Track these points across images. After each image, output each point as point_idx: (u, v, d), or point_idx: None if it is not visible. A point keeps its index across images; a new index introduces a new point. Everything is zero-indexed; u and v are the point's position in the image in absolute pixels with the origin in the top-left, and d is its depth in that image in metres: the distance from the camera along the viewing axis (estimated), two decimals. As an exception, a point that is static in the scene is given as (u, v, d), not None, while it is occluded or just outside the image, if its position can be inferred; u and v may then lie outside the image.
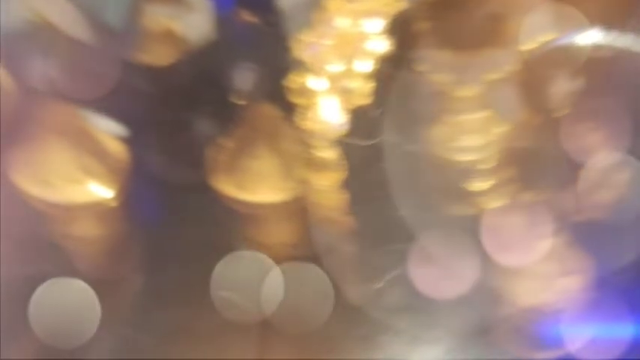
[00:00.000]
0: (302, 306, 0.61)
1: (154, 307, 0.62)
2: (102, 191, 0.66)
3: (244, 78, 0.70)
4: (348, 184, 0.66)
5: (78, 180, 0.65)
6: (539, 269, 0.62)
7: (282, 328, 0.60)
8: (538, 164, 0.66)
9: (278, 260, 0.63)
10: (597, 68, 0.64)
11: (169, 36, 0.71)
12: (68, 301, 0.60)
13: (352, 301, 0.61)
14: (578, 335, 0.60)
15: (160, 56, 0.71)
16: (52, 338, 0.58)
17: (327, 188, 0.66)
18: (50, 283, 0.60)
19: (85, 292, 0.60)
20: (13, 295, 0.60)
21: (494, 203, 0.66)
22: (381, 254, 0.63)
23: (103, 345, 0.59)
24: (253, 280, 0.62)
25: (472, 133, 0.67)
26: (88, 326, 0.59)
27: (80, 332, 0.59)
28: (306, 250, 0.64)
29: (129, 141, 0.68)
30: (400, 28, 0.64)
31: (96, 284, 0.62)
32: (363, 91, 0.64)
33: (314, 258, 0.62)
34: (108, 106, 0.67)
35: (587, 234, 0.62)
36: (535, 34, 0.64)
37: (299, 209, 0.66)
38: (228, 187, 0.66)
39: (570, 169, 0.64)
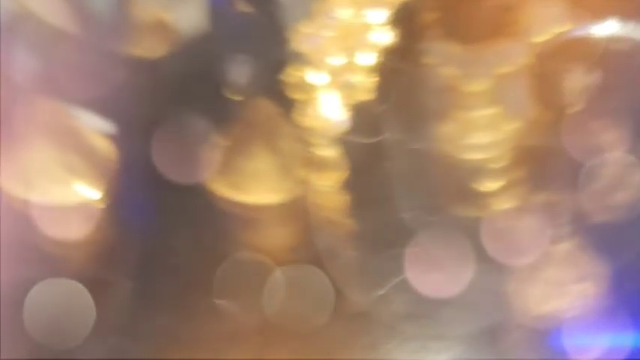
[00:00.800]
0: (303, 313, 0.60)
1: (145, 315, 0.61)
2: (89, 192, 0.66)
3: (240, 72, 0.70)
4: (349, 185, 0.65)
5: (63, 180, 0.65)
6: (552, 274, 0.61)
7: (281, 336, 0.59)
8: (551, 163, 0.65)
9: (276, 265, 0.62)
10: (614, 61, 0.65)
11: (160, 27, 0.72)
12: (61, 303, 0.60)
13: (355, 308, 0.60)
14: (592, 344, 0.59)
15: (150, 48, 0.71)
16: (37, 344, 0.58)
17: (328, 189, 0.66)
18: (44, 284, 0.60)
19: (79, 294, 0.60)
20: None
21: (505, 205, 0.65)
22: (385, 258, 0.62)
23: (92, 353, 0.58)
24: (251, 287, 0.61)
25: (481, 130, 0.67)
26: (79, 330, 0.59)
27: (69, 338, 0.58)
28: (306, 255, 0.63)
29: (117, 139, 0.68)
30: (405, 19, 0.65)
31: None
32: (365, 85, 0.65)
33: (314, 263, 0.62)
34: (95, 102, 0.67)
35: (602, 237, 0.61)
36: (548, 25, 0.65)
37: (298, 211, 0.65)
38: (222, 188, 0.66)
39: (585, 168, 0.64)
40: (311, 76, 0.64)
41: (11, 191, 0.64)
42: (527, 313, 0.59)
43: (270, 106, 0.66)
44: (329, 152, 0.66)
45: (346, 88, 0.64)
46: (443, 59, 0.67)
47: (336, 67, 0.64)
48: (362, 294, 0.60)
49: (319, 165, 0.66)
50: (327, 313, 0.59)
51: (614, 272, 0.60)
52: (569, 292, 0.60)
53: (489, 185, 0.66)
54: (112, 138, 0.68)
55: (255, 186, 0.66)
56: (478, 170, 0.66)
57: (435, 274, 0.61)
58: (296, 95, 0.65)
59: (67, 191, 0.65)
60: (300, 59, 0.64)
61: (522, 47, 0.65)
